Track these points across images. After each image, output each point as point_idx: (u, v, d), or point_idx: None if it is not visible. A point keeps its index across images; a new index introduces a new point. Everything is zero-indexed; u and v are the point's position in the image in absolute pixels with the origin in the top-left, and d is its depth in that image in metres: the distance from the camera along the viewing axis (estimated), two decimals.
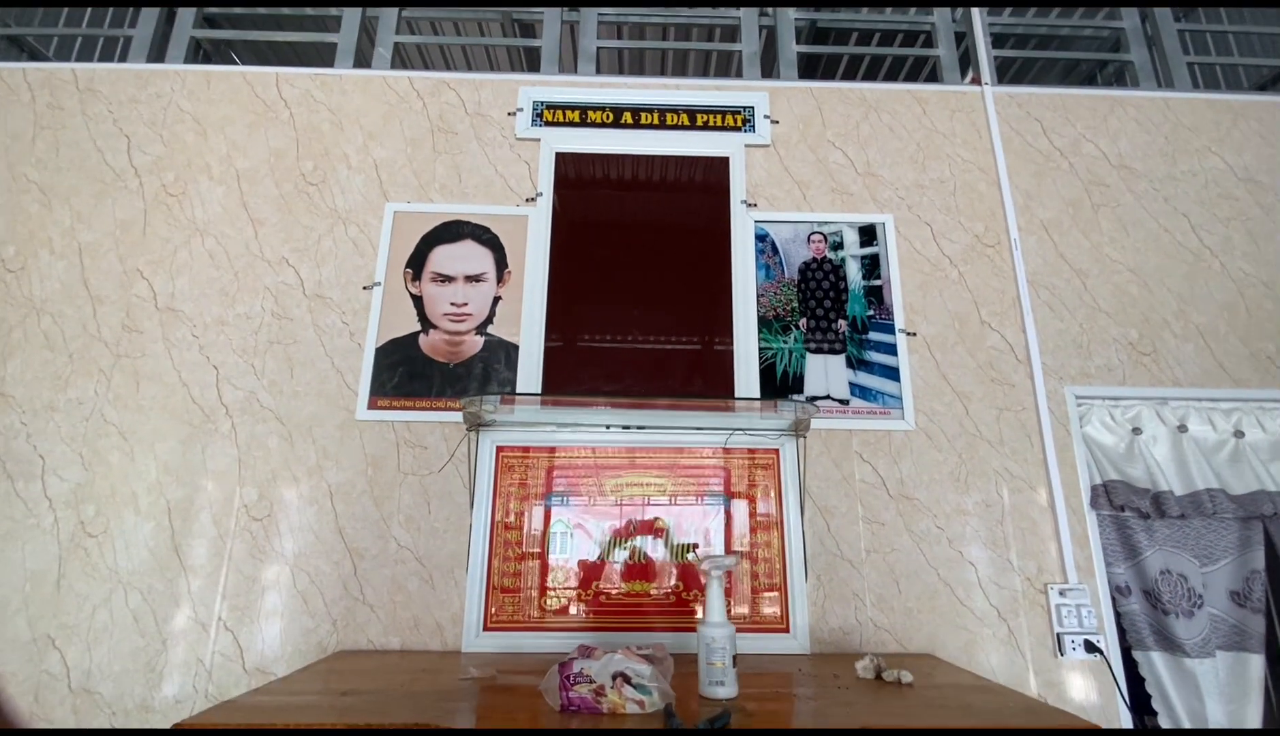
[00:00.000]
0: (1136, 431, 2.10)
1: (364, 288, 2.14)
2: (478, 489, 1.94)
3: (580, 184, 2.29)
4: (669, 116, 2.37)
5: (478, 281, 2.15)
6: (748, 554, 1.92)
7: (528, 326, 2.09)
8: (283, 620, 1.85)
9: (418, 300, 2.12)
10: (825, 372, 2.09)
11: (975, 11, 2.62)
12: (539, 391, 2.02)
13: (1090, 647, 1.84)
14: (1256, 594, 1.99)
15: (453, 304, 2.12)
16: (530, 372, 2.05)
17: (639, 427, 2.00)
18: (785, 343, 2.12)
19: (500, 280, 2.15)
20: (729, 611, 1.82)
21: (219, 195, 2.24)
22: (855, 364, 2.11)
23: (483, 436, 1.99)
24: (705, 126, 2.36)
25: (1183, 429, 2.10)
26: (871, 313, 2.16)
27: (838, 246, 2.23)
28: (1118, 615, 1.96)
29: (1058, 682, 1.85)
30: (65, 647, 1.81)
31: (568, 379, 2.05)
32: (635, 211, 2.30)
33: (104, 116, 2.33)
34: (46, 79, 2.38)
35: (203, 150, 2.30)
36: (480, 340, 2.09)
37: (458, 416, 2.00)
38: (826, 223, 2.25)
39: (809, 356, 2.11)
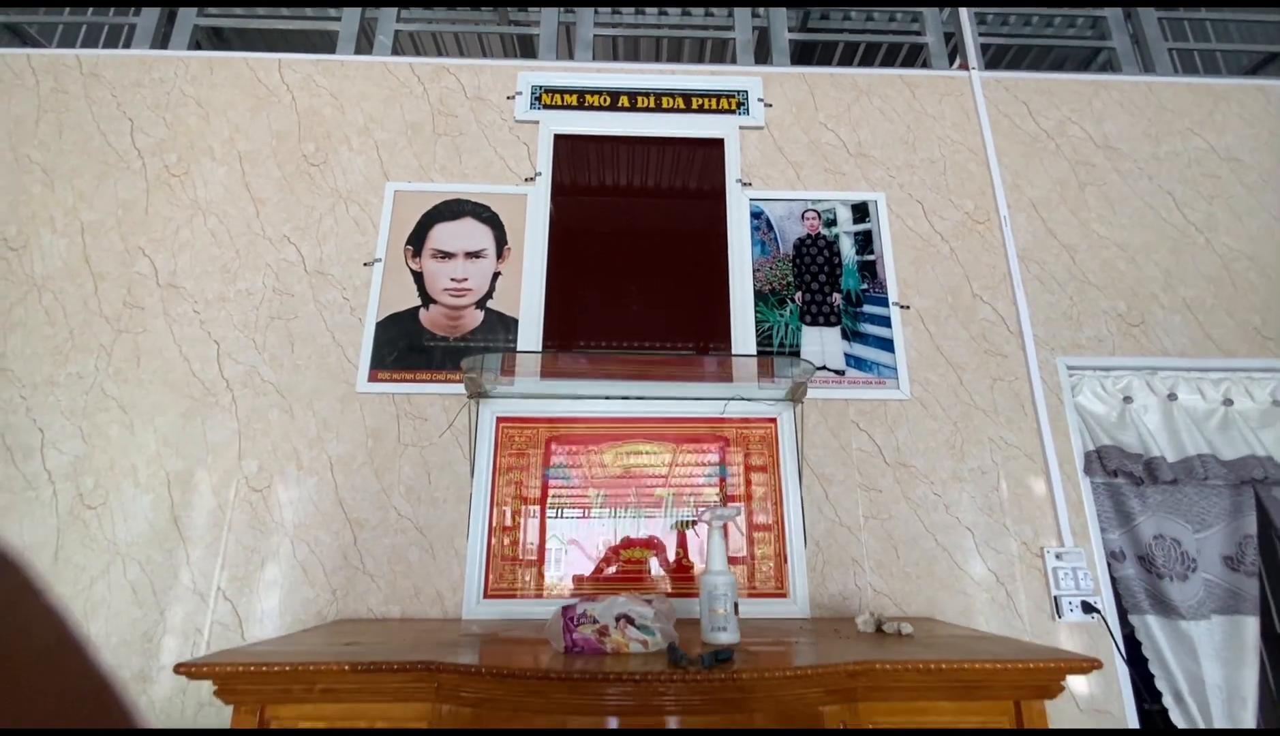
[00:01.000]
0: (1128, 400, 2.13)
1: (365, 264, 2.16)
2: (478, 459, 1.94)
3: (579, 165, 2.33)
4: (665, 100, 2.42)
5: (477, 257, 2.17)
6: (748, 520, 1.93)
7: (527, 300, 2.12)
8: (282, 590, 1.84)
9: (418, 276, 2.15)
10: (821, 344, 2.12)
11: (962, 10, 2.69)
12: (538, 366, 2.03)
13: (1088, 608, 1.85)
14: (1249, 558, 2.01)
15: (453, 279, 2.14)
16: (530, 344, 2.06)
17: (638, 397, 2.02)
18: (781, 316, 2.15)
19: (500, 256, 2.18)
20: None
21: (221, 176, 2.27)
22: (850, 336, 2.14)
23: (483, 407, 2.00)
24: (700, 109, 2.41)
25: (1172, 397, 2.13)
26: (865, 286, 2.20)
27: (831, 223, 2.27)
28: (1113, 580, 1.98)
29: (1055, 643, 1.85)
30: None
31: (566, 350, 2.07)
32: (632, 196, 2.34)
33: (107, 100, 2.36)
34: (51, 64, 2.41)
35: (205, 133, 2.33)
36: (480, 314, 2.11)
37: (458, 388, 2.01)
38: (820, 200, 2.29)
39: (805, 329, 2.14)
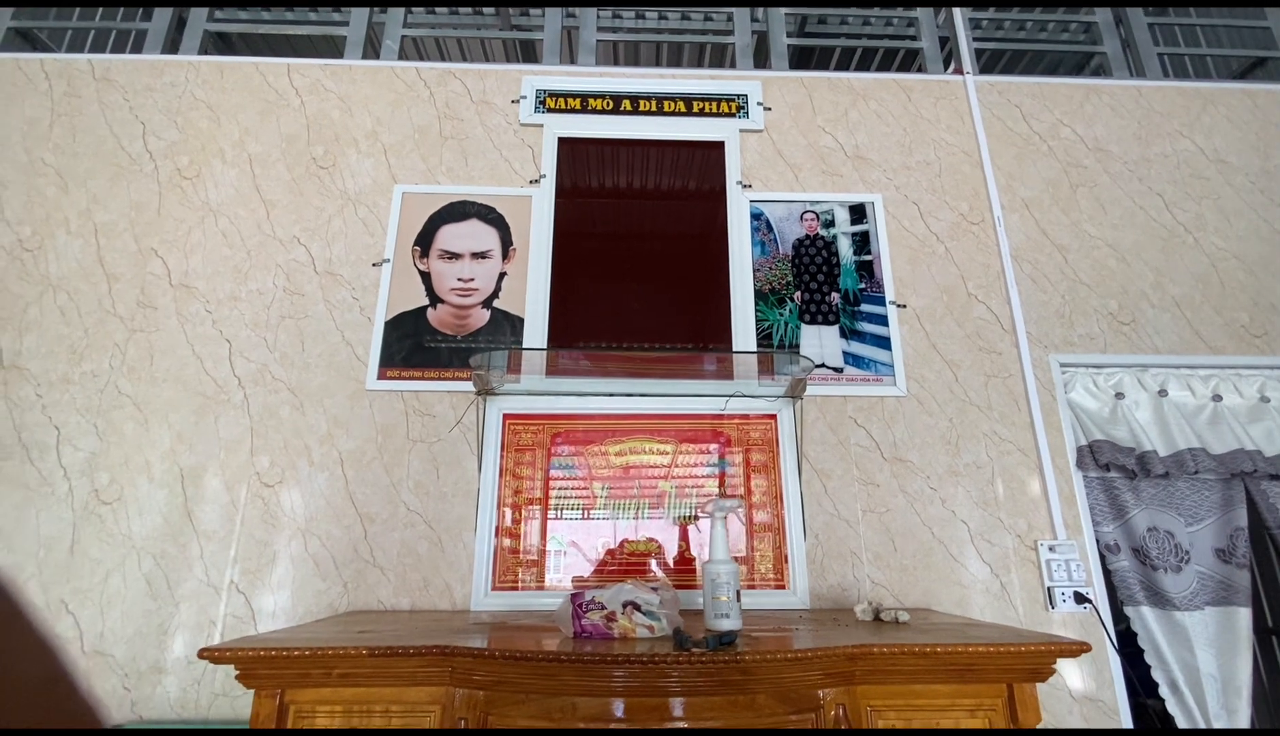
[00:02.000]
0: (1119, 396, 2.18)
1: (373, 264, 2.21)
2: (485, 455, 1.99)
3: (582, 168, 2.38)
4: (666, 103, 2.47)
5: (483, 258, 2.22)
6: (747, 514, 1.97)
7: (533, 300, 2.16)
8: (294, 583, 1.88)
9: (425, 276, 2.19)
10: (820, 342, 2.17)
11: (957, 10, 2.75)
12: (544, 364, 2.08)
13: (1080, 598, 1.90)
14: (1240, 550, 2.06)
15: (459, 279, 2.19)
16: (536, 342, 2.11)
17: (641, 394, 2.06)
18: (781, 314, 2.20)
19: (506, 257, 2.22)
20: None
21: (232, 178, 2.31)
22: (848, 334, 2.19)
23: (490, 405, 2.04)
24: (701, 113, 2.46)
25: (1163, 394, 2.18)
26: (863, 286, 2.25)
27: (829, 224, 2.32)
28: (1108, 572, 2.03)
29: (1049, 633, 1.90)
30: (79, 611, 1.84)
31: (572, 348, 2.12)
32: (635, 198, 2.39)
33: (120, 104, 2.41)
34: (63, 69, 2.46)
35: (216, 136, 2.37)
36: (486, 313, 2.16)
37: (465, 385, 2.05)
38: (818, 202, 2.35)
39: (804, 327, 2.19)
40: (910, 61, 3.47)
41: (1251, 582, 2.07)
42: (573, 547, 1.94)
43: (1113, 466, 2.07)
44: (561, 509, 1.97)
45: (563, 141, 2.39)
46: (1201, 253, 2.36)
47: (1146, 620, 1.99)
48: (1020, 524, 2.01)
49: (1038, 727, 1.27)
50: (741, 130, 2.43)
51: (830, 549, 1.96)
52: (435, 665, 1.23)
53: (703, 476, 2.02)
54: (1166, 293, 2.30)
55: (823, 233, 2.31)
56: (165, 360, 2.08)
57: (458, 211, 2.27)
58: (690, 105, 2.47)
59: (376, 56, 2.59)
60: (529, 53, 3.43)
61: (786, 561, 1.93)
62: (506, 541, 1.93)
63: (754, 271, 2.24)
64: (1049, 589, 1.93)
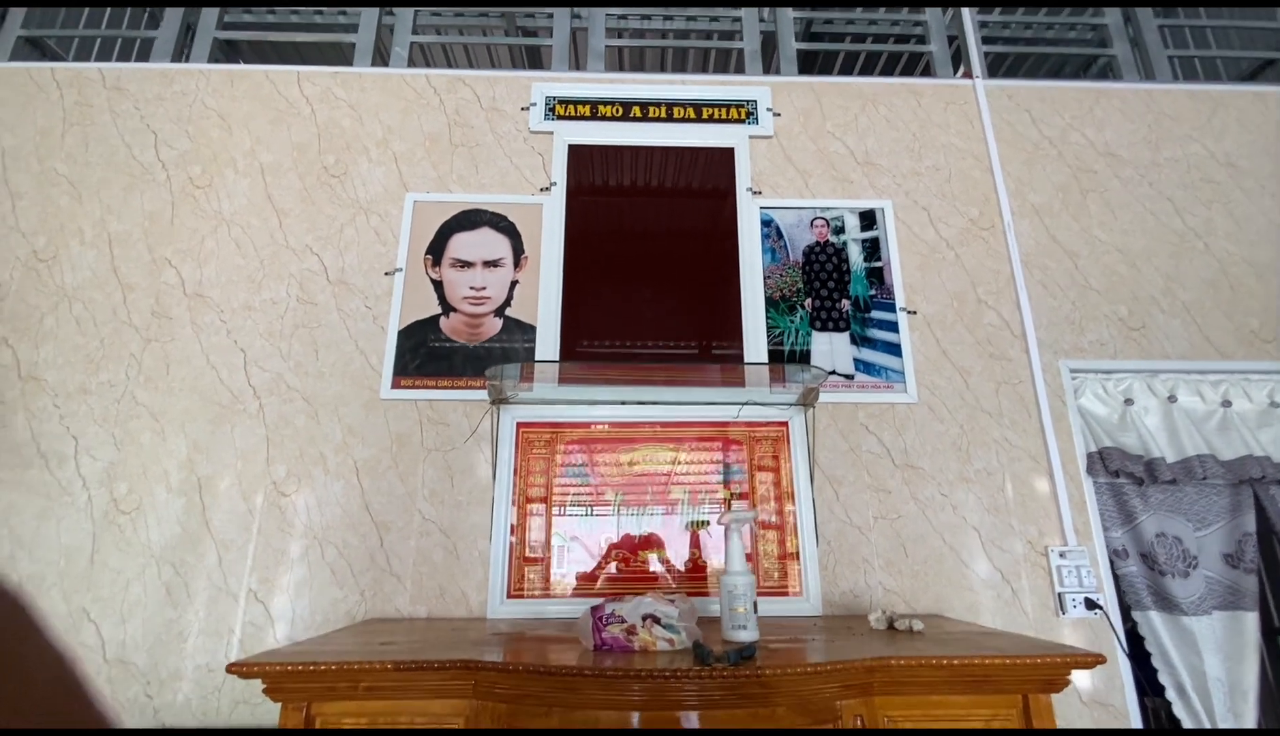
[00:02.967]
0: (1129, 402, 2.19)
1: (386, 273, 2.22)
2: (499, 463, 2.01)
3: (593, 174, 2.39)
4: (676, 110, 2.47)
5: (495, 266, 2.23)
6: (761, 521, 1.99)
7: (545, 308, 2.18)
8: (312, 591, 1.90)
9: (438, 285, 2.21)
10: (831, 349, 2.18)
11: (965, 11, 2.74)
12: (556, 373, 2.09)
13: (1090, 605, 1.92)
14: (1248, 556, 2.08)
15: (472, 288, 2.20)
16: (548, 350, 2.12)
17: (653, 402, 2.08)
18: (792, 321, 2.21)
19: (518, 265, 2.24)
20: None
21: (244, 187, 2.32)
22: (859, 341, 2.20)
23: (504, 413, 2.06)
24: (711, 119, 2.46)
25: (1172, 399, 2.19)
26: (873, 292, 2.25)
27: (839, 231, 2.33)
28: (1116, 577, 2.04)
29: (1059, 639, 1.92)
30: (100, 620, 1.86)
31: (583, 358, 2.13)
32: (645, 203, 2.40)
33: (131, 113, 2.42)
34: (74, 77, 2.47)
35: (228, 145, 2.38)
36: (499, 322, 2.17)
37: (479, 394, 2.07)
38: (828, 208, 2.35)
39: (815, 334, 2.20)
40: (916, 64, 3.46)
41: (1259, 587, 2.08)
42: (589, 554, 1.95)
43: (1122, 473, 2.09)
44: (576, 516, 1.99)
45: (573, 148, 2.40)
46: (1212, 257, 2.37)
47: (1154, 624, 2.01)
48: (1031, 530, 2.03)
49: (1048, 727, 1.30)
50: (751, 136, 2.43)
51: (842, 556, 1.98)
52: (459, 679, 1.25)
53: (715, 483, 2.03)
54: (1177, 298, 2.31)
55: (833, 239, 2.31)
56: (181, 370, 2.10)
57: (469, 220, 2.28)
58: (700, 111, 2.47)
59: (385, 64, 2.59)
60: (536, 59, 3.43)
61: (799, 567, 1.95)
62: (522, 549, 1.95)
63: (765, 278, 2.25)
64: (1060, 594, 1.95)
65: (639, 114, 2.46)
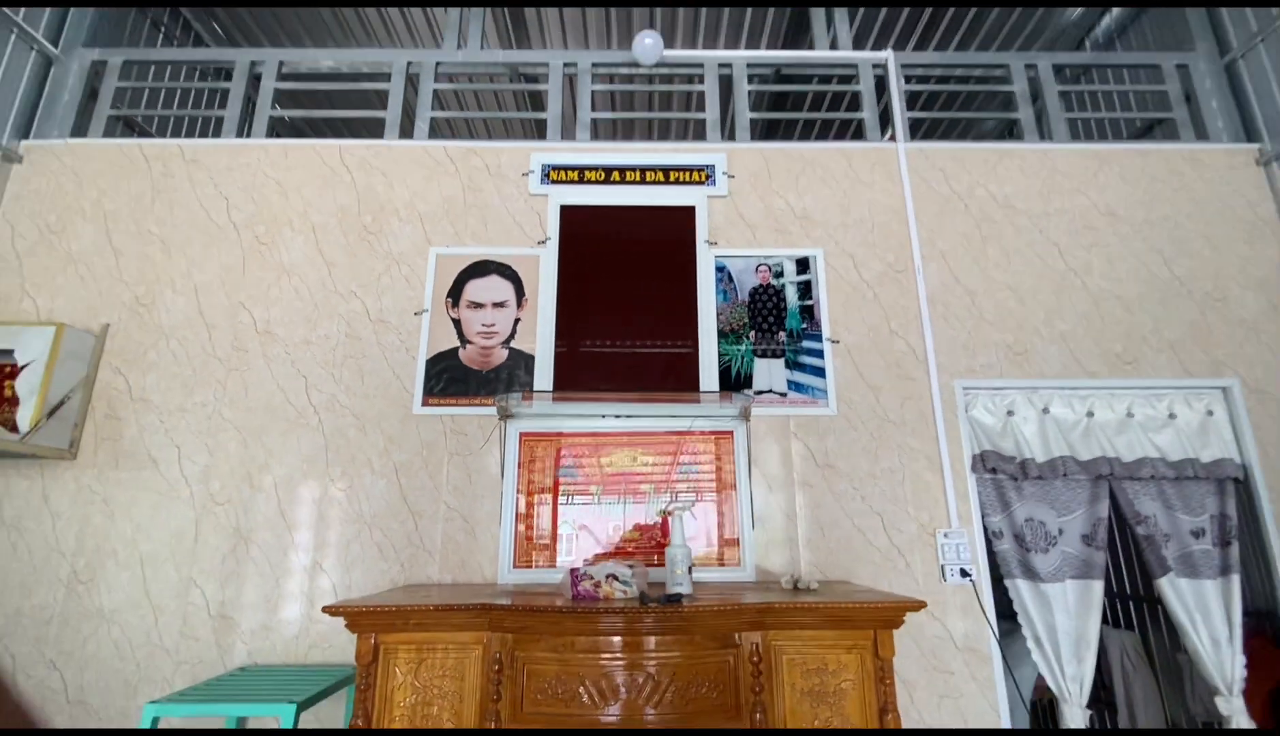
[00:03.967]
0: (1010, 414, 2.73)
1: (415, 313, 2.78)
2: (507, 464, 2.58)
3: (581, 229, 2.93)
4: (648, 174, 3.01)
5: (502, 307, 2.79)
6: (718, 510, 2.55)
7: (541, 341, 2.74)
8: (363, 563, 2.49)
9: (456, 322, 2.77)
10: (769, 372, 2.73)
11: (892, 79, 3.26)
12: (550, 389, 2.66)
13: (964, 573, 2.47)
14: (1100, 536, 2.62)
15: (483, 324, 2.77)
16: (544, 375, 2.69)
17: (628, 416, 2.64)
18: (738, 350, 2.76)
19: (520, 305, 2.80)
20: (693, 548, 2.45)
21: (300, 243, 2.89)
22: (792, 365, 2.74)
23: (509, 425, 2.63)
24: (677, 181, 3.00)
25: (1046, 411, 2.73)
26: (805, 326, 2.80)
27: (779, 275, 2.87)
28: (992, 553, 2.59)
29: (942, 601, 2.47)
30: (204, 585, 2.45)
31: (572, 380, 2.70)
32: (623, 251, 2.95)
33: (206, 182, 2.99)
34: (159, 152, 3.04)
35: (285, 208, 2.95)
36: (505, 352, 2.73)
37: (490, 411, 2.64)
38: (771, 256, 2.89)
39: (757, 360, 2.75)
40: (849, 129, 3.98)
41: (1108, 560, 2.62)
42: (581, 531, 2.53)
43: (999, 470, 2.63)
44: (566, 505, 2.56)
45: (564, 207, 2.95)
46: (1087, 293, 2.89)
47: (1020, 590, 2.56)
48: (924, 516, 2.58)
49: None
50: (709, 196, 2.98)
51: (774, 536, 2.54)
52: (478, 616, 1.82)
53: (676, 480, 2.59)
54: (1055, 327, 2.84)
55: (774, 282, 2.86)
56: (257, 392, 2.68)
57: (480, 269, 2.84)
58: (668, 174, 3.01)
59: (410, 136, 3.14)
60: (539, 127, 3.97)
61: (740, 546, 2.51)
62: (525, 529, 2.52)
63: (718, 315, 2.80)
64: (942, 566, 2.50)
65: (618, 178, 3.00)
